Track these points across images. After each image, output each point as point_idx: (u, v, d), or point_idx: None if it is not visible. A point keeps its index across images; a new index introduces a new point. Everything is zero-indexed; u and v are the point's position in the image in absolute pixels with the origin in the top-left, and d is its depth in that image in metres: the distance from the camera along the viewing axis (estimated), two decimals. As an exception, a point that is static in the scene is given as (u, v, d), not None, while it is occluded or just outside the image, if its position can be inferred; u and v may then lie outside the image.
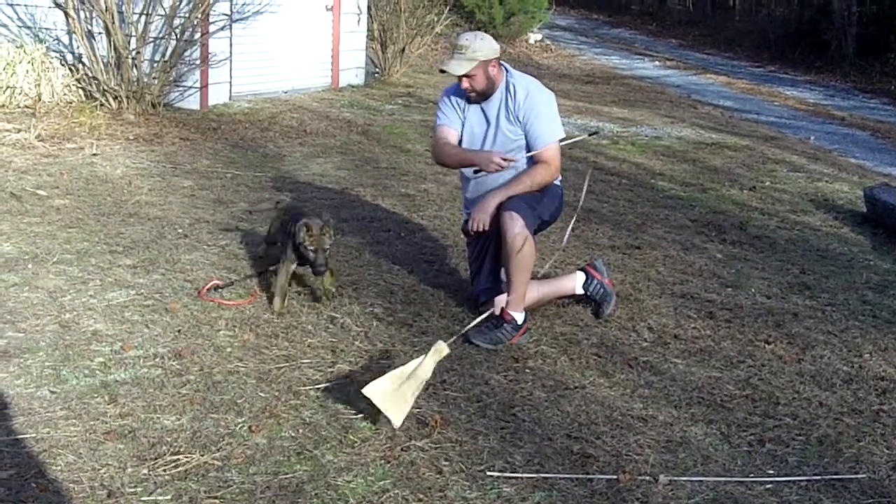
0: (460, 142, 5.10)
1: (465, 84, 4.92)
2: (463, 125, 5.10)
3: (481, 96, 4.98)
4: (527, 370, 4.54)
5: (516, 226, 4.69)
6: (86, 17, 10.13)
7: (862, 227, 7.82)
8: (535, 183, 4.91)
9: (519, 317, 4.84)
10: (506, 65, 5.08)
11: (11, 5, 10.91)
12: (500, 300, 4.93)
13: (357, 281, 5.55)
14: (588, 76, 19.14)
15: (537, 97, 4.96)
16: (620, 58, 23.07)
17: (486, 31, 21.18)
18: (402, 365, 4.00)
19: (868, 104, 17.35)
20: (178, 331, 4.67)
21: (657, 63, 22.48)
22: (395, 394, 3.82)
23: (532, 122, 4.91)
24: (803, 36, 24.27)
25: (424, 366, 3.95)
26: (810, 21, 24.98)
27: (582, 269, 5.35)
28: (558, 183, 5.14)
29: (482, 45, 4.85)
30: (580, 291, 5.28)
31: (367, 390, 3.79)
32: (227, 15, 10.85)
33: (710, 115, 14.43)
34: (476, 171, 4.94)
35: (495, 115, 4.97)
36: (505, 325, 4.80)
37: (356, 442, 3.75)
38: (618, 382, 4.47)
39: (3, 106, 9.69)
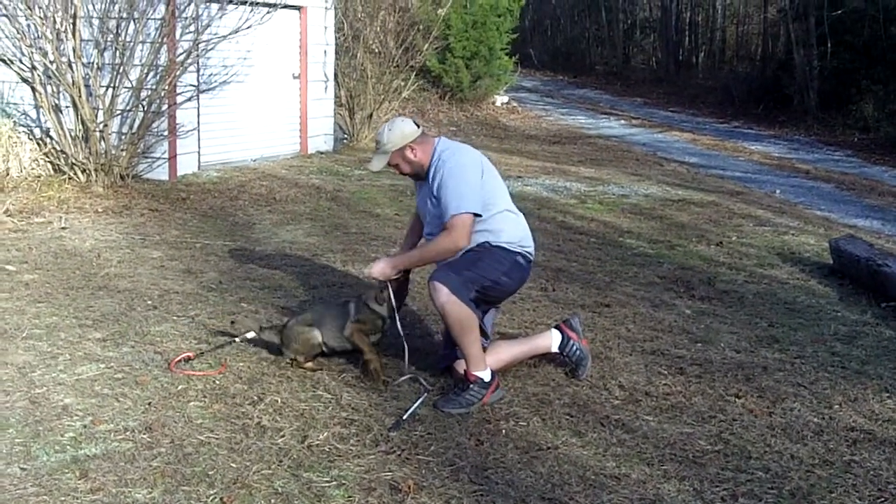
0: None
1: (397, 172, 5.12)
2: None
3: (417, 178, 5.12)
4: (499, 432, 4.53)
5: (440, 295, 4.70)
6: (53, 91, 10.17)
7: (829, 278, 7.89)
8: (430, 252, 4.95)
9: (484, 374, 4.82)
10: (440, 140, 5.08)
11: (-22, 81, 10.95)
12: (460, 364, 4.94)
13: (328, 347, 5.54)
14: (555, 136, 19.32)
15: (444, 170, 4.88)
16: (586, 117, 23.33)
17: (453, 95, 21.11)
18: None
19: (832, 156, 17.60)
20: (149, 403, 4.65)
21: (623, 122, 22.75)
22: None
23: (440, 195, 4.86)
24: (766, 91, 24.70)
25: None
26: (773, 77, 25.44)
27: (556, 328, 5.34)
28: (509, 245, 4.97)
29: (391, 137, 4.98)
30: (555, 350, 5.28)
31: None
32: (193, 86, 10.92)
33: (676, 172, 14.59)
34: None
35: (430, 193, 4.98)
36: (471, 386, 4.79)
37: (329, 510, 3.73)
38: (590, 441, 4.48)
39: (-29, 182, 9.68)
